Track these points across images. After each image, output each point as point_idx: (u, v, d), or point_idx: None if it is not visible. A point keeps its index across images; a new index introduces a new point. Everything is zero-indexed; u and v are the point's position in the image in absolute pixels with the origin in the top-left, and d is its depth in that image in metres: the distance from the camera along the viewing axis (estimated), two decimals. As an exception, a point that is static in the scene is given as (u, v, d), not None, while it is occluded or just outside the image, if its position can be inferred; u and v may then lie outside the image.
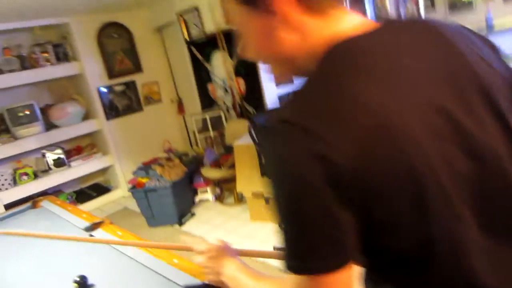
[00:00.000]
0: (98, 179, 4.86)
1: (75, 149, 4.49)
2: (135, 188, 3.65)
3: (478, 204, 0.54)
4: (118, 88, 4.56)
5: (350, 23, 0.59)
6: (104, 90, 4.44)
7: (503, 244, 0.56)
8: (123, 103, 4.61)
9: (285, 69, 0.65)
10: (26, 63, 3.87)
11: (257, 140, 2.63)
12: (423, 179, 0.50)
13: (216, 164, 3.82)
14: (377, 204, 0.50)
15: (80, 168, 4.36)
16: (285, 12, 0.57)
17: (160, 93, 4.96)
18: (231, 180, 3.70)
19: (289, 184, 0.51)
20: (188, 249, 1.12)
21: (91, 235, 1.83)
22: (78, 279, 1.41)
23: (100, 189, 4.67)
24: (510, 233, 0.57)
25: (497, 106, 0.58)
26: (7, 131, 3.84)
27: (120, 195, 4.62)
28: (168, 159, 3.79)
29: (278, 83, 0.61)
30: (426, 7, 4.38)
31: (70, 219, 2.10)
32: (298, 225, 0.52)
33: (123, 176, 4.58)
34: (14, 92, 3.93)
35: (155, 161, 4.12)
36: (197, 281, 1.23)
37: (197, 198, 4.00)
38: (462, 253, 0.54)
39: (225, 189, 3.95)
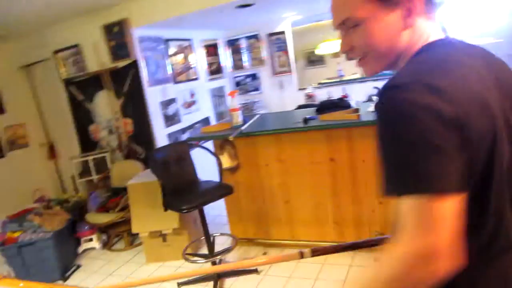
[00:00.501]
0: None
1: None
2: (4, 245, 3.15)
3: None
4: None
5: (438, 29, 0.76)
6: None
7: None
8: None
9: (382, 62, 0.79)
10: None
11: (158, 175, 2.62)
12: (498, 130, 0.65)
13: (103, 208, 3.58)
14: (473, 140, 0.62)
15: None
16: (411, 10, 0.72)
17: (27, 137, 4.44)
18: (121, 223, 3.51)
19: (416, 121, 0.60)
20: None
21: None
22: None
23: None
24: None
25: None
26: None
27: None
28: (47, 207, 3.40)
29: (368, 75, 0.69)
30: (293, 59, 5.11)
31: None
32: (421, 148, 0.59)
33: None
34: None
35: (26, 212, 3.63)
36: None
37: (80, 248, 3.63)
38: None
39: (113, 234, 3.69)
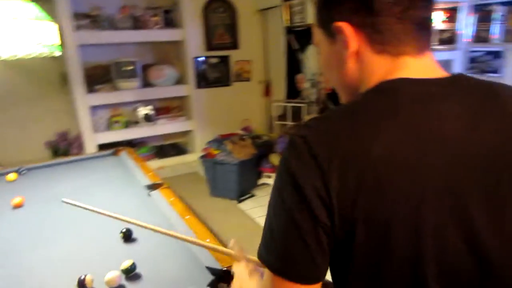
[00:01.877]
0: (178, 140, 5.23)
1: (164, 109, 4.87)
2: (206, 158, 3.87)
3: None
4: (213, 61, 4.78)
5: (414, 67, 0.59)
6: (200, 60, 4.70)
7: None
8: (214, 75, 4.84)
9: (346, 94, 0.69)
10: (137, 23, 4.25)
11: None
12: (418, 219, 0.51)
13: (285, 153, 3.87)
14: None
15: (165, 126, 4.74)
16: (358, 49, 0.61)
17: (250, 72, 5.10)
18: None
19: (285, 180, 0.55)
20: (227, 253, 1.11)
21: (149, 194, 2.02)
22: (124, 230, 1.60)
23: (178, 149, 5.03)
24: None
25: None
26: (110, 81, 4.30)
27: (193, 159, 4.92)
28: (241, 138, 3.93)
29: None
30: None
31: (137, 174, 2.33)
32: (286, 224, 0.54)
33: (200, 142, 4.87)
34: (123, 48, 4.36)
35: (230, 135, 4.31)
36: (218, 266, 1.31)
37: (259, 181, 4.11)
38: None
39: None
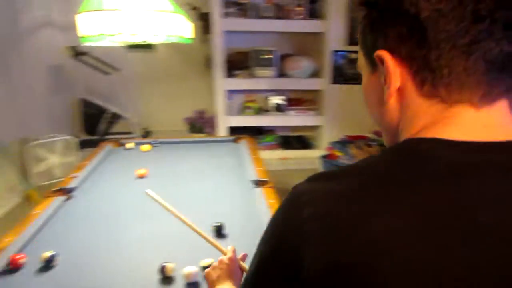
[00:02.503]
0: (306, 133, 5.17)
1: (296, 100, 4.84)
2: (327, 158, 3.72)
3: None
4: (353, 56, 4.53)
5: (470, 122, 0.43)
6: (339, 54, 4.49)
7: None
8: (352, 71, 4.58)
9: (386, 135, 0.56)
10: (280, 12, 4.27)
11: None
12: None
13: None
14: None
15: (294, 118, 4.73)
16: (401, 86, 0.47)
17: (393, 73, 4.66)
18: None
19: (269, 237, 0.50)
20: (220, 250, 1.09)
21: (253, 189, 2.01)
22: (218, 224, 1.62)
23: (303, 143, 4.98)
24: None
25: None
26: (248, 68, 4.45)
27: (317, 155, 4.81)
28: (368, 143, 3.65)
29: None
30: None
31: (249, 167, 2.34)
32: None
33: (327, 139, 4.72)
34: (264, 36, 4.45)
35: (358, 138, 4.05)
36: None
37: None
38: None
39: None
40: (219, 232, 1.60)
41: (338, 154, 3.74)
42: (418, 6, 0.41)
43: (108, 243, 1.52)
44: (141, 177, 2.20)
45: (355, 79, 4.62)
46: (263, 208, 1.79)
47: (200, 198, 1.96)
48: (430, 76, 0.43)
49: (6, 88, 3.68)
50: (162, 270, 1.31)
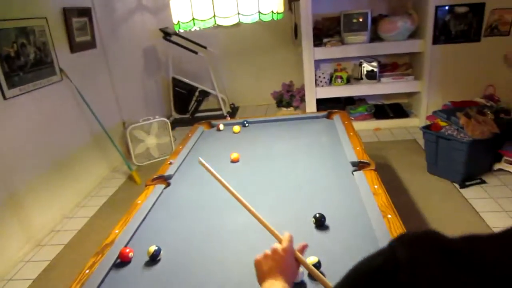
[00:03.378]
0: (401, 101, 4.75)
1: (390, 65, 4.43)
2: (429, 129, 3.35)
3: None
4: (460, 10, 3.93)
5: None
6: (443, 9, 3.94)
7: None
8: (459, 28, 4.00)
9: None
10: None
11: None
12: None
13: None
14: None
15: (388, 85, 4.34)
16: None
17: (510, 24, 3.98)
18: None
19: None
20: (275, 236, 0.96)
21: (352, 173, 1.84)
22: (318, 216, 1.50)
23: (399, 111, 4.58)
24: None
25: None
26: (338, 34, 4.14)
27: (415, 124, 4.40)
28: (481, 111, 3.18)
29: None
30: None
31: (346, 146, 2.16)
32: None
33: (426, 106, 4.28)
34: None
35: (466, 104, 3.57)
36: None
37: (496, 166, 3.31)
38: None
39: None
40: (320, 223, 1.48)
41: (442, 124, 3.33)
42: None
43: (205, 235, 1.50)
44: (235, 161, 2.16)
45: (463, 37, 4.03)
46: (365, 195, 1.63)
47: (295, 184, 1.85)
48: None
49: (107, 75, 3.93)
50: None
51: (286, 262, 0.83)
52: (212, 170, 1.03)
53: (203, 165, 1.05)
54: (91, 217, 3.02)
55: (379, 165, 3.47)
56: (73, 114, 3.34)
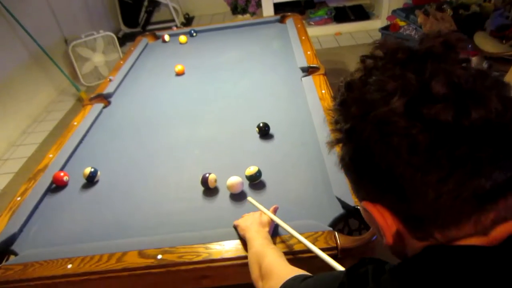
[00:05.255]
0: (363, 1, 4.54)
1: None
2: (388, 30, 3.25)
3: None
4: None
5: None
6: None
7: None
8: None
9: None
10: None
11: None
12: None
13: (499, 34, 2.89)
14: None
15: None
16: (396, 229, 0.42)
17: None
18: (508, 63, 2.81)
19: None
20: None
21: (301, 79, 1.77)
22: (261, 125, 1.45)
23: (360, 13, 4.39)
24: None
25: None
26: None
27: (376, 26, 4.24)
28: (440, 7, 3.07)
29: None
30: None
31: (297, 50, 2.05)
32: None
33: (388, 6, 4.09)
34: None
35: (428, 1, 3.43)
36: (350, 201, 1.06)
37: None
38: None
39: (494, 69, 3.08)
40: (264, 133, 1.44)
41: (401, 24, 3.23)
42: (389, 162, 0.38)
43: (147, 153, 1.44)
44: (180, 74, 2.03)
45: None
46: (312, 99, 1.57)
47: (242, 94, 1.77)
48: (419, 224, 0.40)
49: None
50: (205, 181, 1.21)
51: (261, 218, 0.98)
52: (261, 207, 1.01)
53: (251, 202, 1.05)
54: (40, 143, 2.89)
55: (338, 71, 3.40)
56: (1, 32, 2.99)
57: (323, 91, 1.64)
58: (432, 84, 0.36)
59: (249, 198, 1.08)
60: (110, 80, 2.00)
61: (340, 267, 0.76)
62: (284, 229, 0.94)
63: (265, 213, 0.99)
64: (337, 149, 0.46)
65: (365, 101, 0.39)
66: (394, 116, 0.36)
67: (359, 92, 0.40)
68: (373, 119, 0.38)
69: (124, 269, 0.95)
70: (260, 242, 0.88)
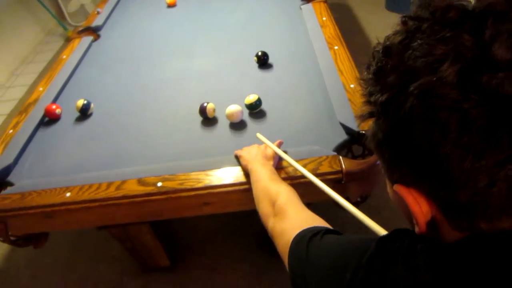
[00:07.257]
0: None
1: None
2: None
3: None
4: None
5: None
6: None
7: None
8: None
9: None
10: None
11: None
12: None
13: None
14: None
15: None
16: (433, 217, 0.38)
17: None
18: None
19: None
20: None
21: (300, 7, 1.67)
22: (260, 54, 1.38)
23: None
24: None
25: None
26: None
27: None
28: None
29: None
30: None
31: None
32: None
33: None
34: None
35: None
36: (354, 126, 1.03)
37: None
38: None
39: None
40: (262, 62, 1.38)
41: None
42: (433, 141, 0.32)
43: (142, 86, 1.38)
44: (172, 5, 1.91)
45: None
46: (313, 28, 1.49)
47: (240, 23, 1.68)
48: (462, 213, 0.34)
49: None
50: (203, 111, 1.16)
51: (266, 151, 0.96)
52: (269, 143, 0.97)
53: (260, 139, 1.01)
54: (30, 84, 2.80)
55: (334, 5, 3.24)
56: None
57: (324, 18, 1.55)
58: (494, 48, 0.29)
59: (258, 135, 1.04)
60: (98, 13, 1.88)
61: (346, 203, 0.69)
62: (295, 167, 0.90)
63: (272, 149, 0.95)
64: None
65: (407, 69, 0.33)
66: (443, 86, 0.30)
67: (399, 59, 0.34)
68: (416, 90, 0.32)
69: (124, 197, 0.93)
70: (268, 176, 0.85)
